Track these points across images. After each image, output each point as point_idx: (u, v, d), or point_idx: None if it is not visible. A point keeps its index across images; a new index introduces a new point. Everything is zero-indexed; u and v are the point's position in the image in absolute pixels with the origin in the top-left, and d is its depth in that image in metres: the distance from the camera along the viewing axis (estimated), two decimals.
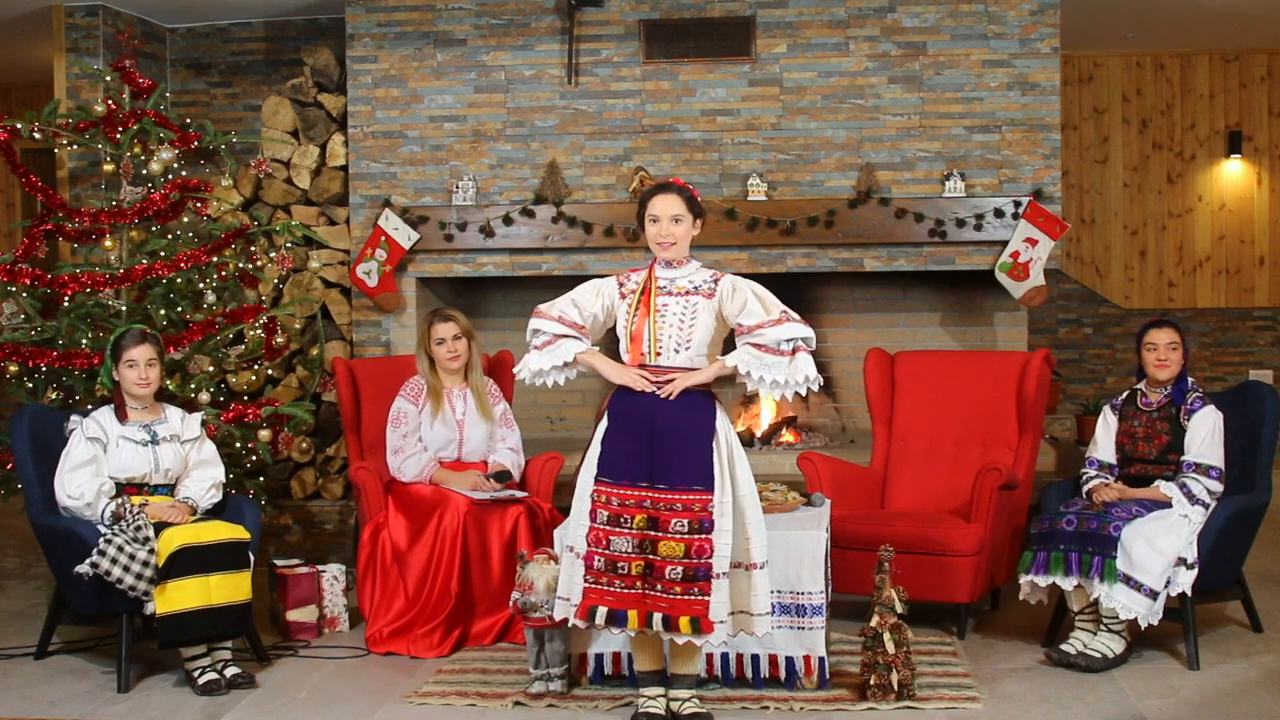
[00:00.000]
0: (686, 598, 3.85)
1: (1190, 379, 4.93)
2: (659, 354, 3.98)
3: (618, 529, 3.92)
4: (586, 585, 3.94)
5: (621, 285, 4.10)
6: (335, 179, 6.93)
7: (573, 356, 4.03)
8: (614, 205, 6.55)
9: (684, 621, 3.84)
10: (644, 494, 3.92)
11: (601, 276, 4.22)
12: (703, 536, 3.87)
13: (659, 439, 3.93)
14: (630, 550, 3.90)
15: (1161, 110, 8.70)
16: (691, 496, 3.89)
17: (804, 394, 3.96)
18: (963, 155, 6.46)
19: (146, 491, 4.77)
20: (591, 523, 3.95)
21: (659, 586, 3.88)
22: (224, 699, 4.43)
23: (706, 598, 3.85)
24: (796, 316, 3.95)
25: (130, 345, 4.80)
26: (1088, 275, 8.77)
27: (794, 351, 3.91)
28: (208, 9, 7.15)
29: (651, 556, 3.89)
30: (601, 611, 3.90)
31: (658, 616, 3.87)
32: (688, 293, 4.02)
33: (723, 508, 3.90)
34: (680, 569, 3.86)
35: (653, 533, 3.89)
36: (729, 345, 4.08)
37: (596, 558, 3.93)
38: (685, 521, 3.87)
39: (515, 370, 4.13)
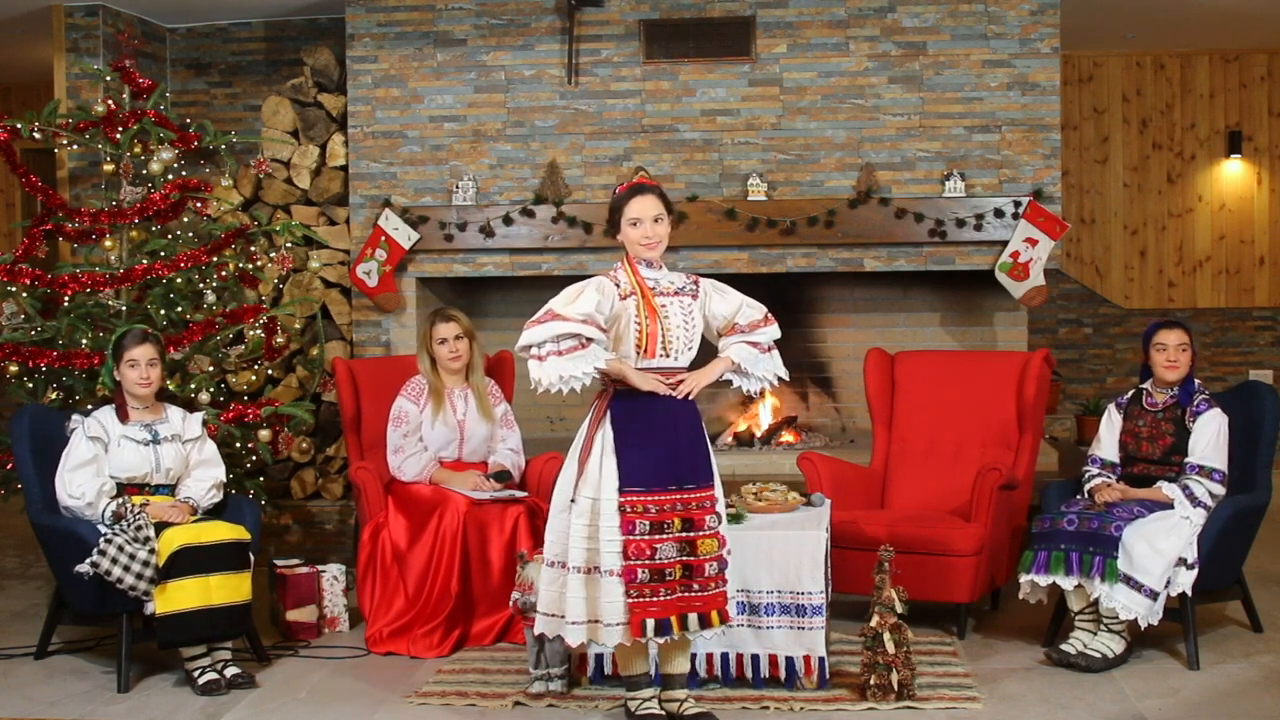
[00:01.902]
0: (715, 591, 3.91)
1: (1196, 380, 4.93)
2: (668, 355, 3.98)
3: (662, 535, 3.86)
4: (630, 600, 3.83)
5: (618, 286, 3.99)
6: (335, 179, 6.93)
7: (604, 363, 3.86)
8: None
9: (714, 615, 3.89)
10: (675, 497, 3.91)
11: (593, 277, 4.14)
12: (724, 529, 3.98)
13: (681, 440, 3.95)
14: (675, 555, 3.87)
15: (1161, 110, 8.70)
16: (711, 492, 3.97)
17: (768, 389, 4.19)
18: (963, 155, 6.46)
19: (147, 491, 4.77)
20: (628, 535, 3.84)
21: (695, 586, 3.88)
22: (224, 699, 4.43)
23: (725, 588, 3.94)
24: None
25: (132, 345, 4.80)
26: (1088, 275, 8.77)
27: (769, 349, 4.16)
28: (208, 9, 7.15)
29: (689, 558, 3.88)
30: (650, 624, 3.83)
31: (693, 617, 3.87)
32: (676, 293, 4.03)
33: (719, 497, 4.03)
34: (715, 564, 3.92)
35: (688, 533, 3.90)
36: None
37: (640, 570, 3.82)
38: (715, 517, 3.95)
39: (535, 378, 3.81)
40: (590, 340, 3.82)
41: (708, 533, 3.92)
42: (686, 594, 3.87)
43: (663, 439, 3.92)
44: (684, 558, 3.88)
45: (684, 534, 3.88)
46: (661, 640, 3.87)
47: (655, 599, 3.82)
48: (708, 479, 3.98)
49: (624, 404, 3.94)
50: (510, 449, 5.45)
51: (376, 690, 4.52)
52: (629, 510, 3.84)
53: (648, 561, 3.82)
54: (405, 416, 5.31)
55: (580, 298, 3.87)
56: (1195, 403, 4.85)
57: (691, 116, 6.60)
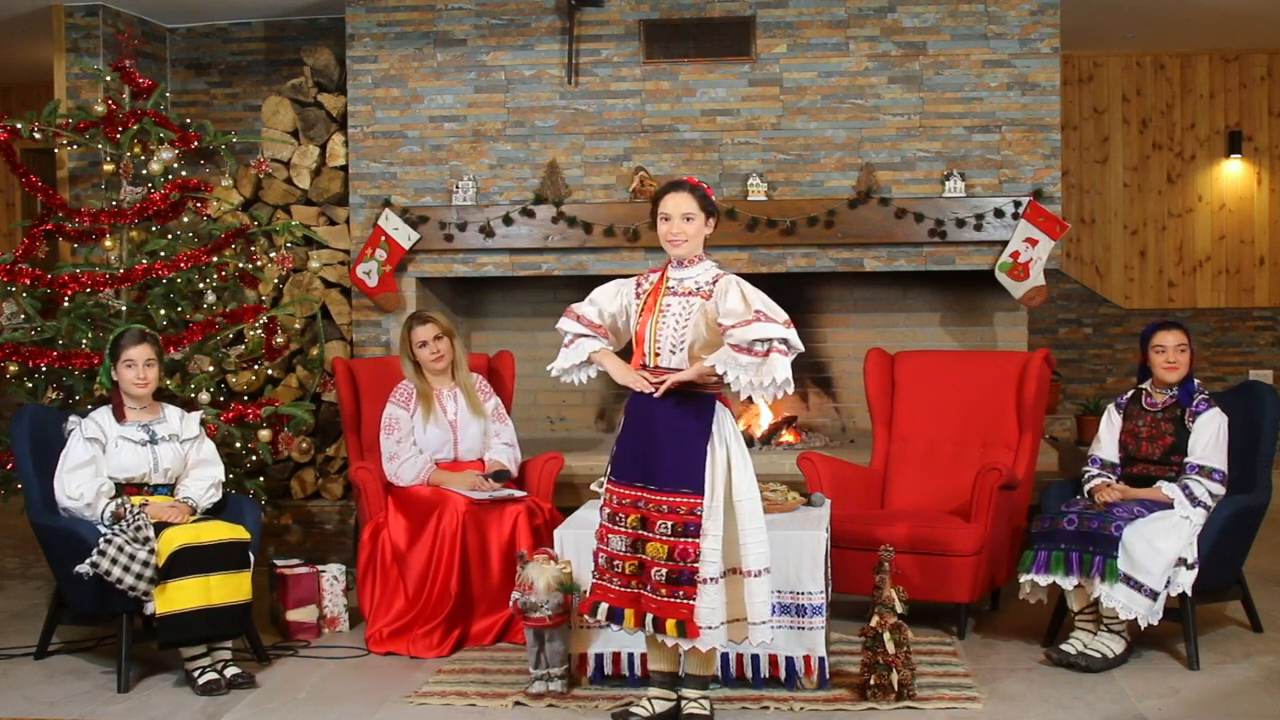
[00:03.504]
0: (672, 600, 3.85)
1: (1196, 380, 4.93)
2: (658, 354, 3.98)
3: (615, 527, 3.98)
4: (593, 581, 4.05)
5: (639, 285, 4.11)
6: (335, 179, 6.93)
7: (587, 356, 4.08)
8: (614, 205, 6.55)
9: (670, 624, 3.84)
10: (638, 494, 3.94)
11: (608, 277, 4.28)
12: (687, 540, 3.84)
13: (653, 439, 3.94)
14: (625, 549, 3.95)
15: (1161, 110, 8.70)
16: (678, 499, 3.87)
17: (780, 396, 3.88)
18: (963, 155, 6.46)
19: (146, 491, 4.77)
20: (600, 519, 4.05)
21: (648, 587, 3.90)
22: (224, 699, 4.44)
23: (691, 602, 3.82)
24: (778, 316, 3.84)
25: (129, 345, 4.80)
26: (1088, 275, 8.77)
27: (767, 353, 3.79)
28: (208, 9, 7.15)
29: (642, 556, 3.92)
30: (603, 608, 3.98)
31: (649, 617, 3.89)
32: (691, 293, 4.00)
33: (711, 512, 3.86)
34: (664, 571, 3.86)
35: (643, 532, 3.92)
36: None
37: (600, 554, 4.03)
38: (670, 524, 3.87)
39: (548, 367, 4.19)
40: (579, 336, 4.10)
41: (656, 537, 3.88)
42: (643, 592, 3.92)
43: (638, 435, 3.98)
44: (639, 555, 3.93)
45: (638, 532, 3.93)
46: (615, 628, 3.99)
47: (611, 586, 3.98)
48: (683, 485, 3.87)
49: (630, 399, 4.07)
50: (505, 443, 5.45)
51: (376, 690, 4.53)
52: (606, 497, 4.04)
53: (605, 548, 4.01)
54: (396, 423, 5.31)
55: (591, 297, 4.15)
56: (1195, 402, 4.85)
57: (691, 116, 6.60)
